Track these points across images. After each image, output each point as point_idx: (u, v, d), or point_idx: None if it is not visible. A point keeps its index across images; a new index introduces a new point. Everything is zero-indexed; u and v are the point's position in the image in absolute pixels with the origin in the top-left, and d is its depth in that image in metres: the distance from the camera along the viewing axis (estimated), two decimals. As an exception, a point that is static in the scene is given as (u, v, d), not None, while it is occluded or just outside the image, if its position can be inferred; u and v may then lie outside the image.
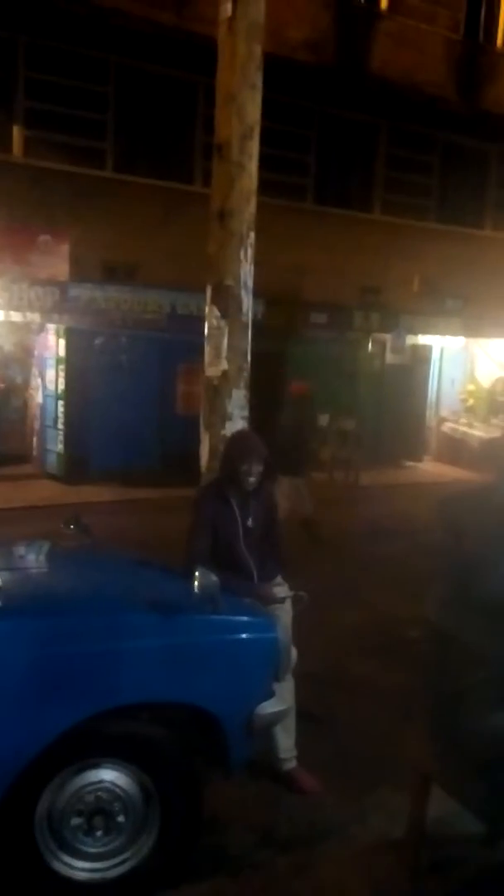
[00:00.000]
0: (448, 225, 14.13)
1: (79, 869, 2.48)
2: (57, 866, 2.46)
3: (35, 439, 10.67)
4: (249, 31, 4.09)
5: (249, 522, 3.17)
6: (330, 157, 13.21)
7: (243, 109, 4.13)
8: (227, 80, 4.16)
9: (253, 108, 4.17)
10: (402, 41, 12.45)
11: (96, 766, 2.48)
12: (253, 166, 4.23)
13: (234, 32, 4.08)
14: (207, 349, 4.34)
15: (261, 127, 4.25)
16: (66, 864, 2.47)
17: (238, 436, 3.59)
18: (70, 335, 9.70)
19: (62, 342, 9.75)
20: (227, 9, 4.09)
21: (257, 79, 4.17)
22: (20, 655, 2.36)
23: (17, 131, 10.83)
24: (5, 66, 10.63)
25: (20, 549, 3.06)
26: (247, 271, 4.25)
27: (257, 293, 4.51)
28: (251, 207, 4.24)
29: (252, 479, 3.13)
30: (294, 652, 3.17)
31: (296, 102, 12.00)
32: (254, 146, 4.21)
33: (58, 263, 10.40)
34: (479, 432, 12.22)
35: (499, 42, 13.96)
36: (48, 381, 10.10)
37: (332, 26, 11.83)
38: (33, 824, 2.41)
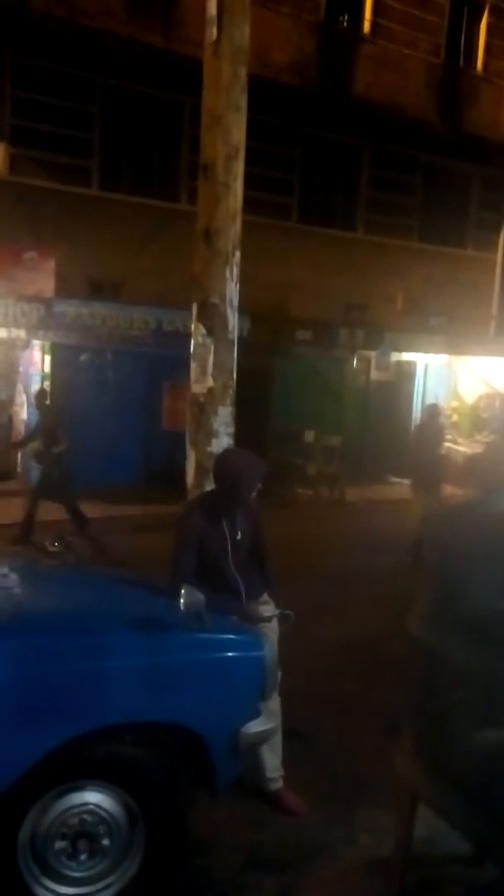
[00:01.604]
0: (431, 244, 14.33)
1: (62, 894, 2.44)
2: (40, 892, 2.41)
3: (19, 456, 10.61)
4: (234, 55, 4.15)
5: (238, 536, 3.18)
6: (314, 176, 13.38)
7: (228, 131, 4.19)
8: (212, 101, 4.22)
9: (238, 130, 4.23)
10: (384, 65, 12.70)
11: (80, 788, 2.44)
12: (238, 186, 4.28)
13: (219, 56, 4.14)
14: (193, 366, 4.35)
15: (246, 147, 4.31)
16: (49, 889, 2.43)
17: (240, 453, 3.49)
18: (55, 351, 9.69)
19: (47, 358, 9.73)
20: (213, 33, 4.16)
21: (242, 101, 4.23)
22: (2, 676, 2.32)
23: (2, 148, 10.88)
24: (-8, 85, 10.71)
25: (3, 567, 3.04)
26: (232, 289, 4.29)
27: (243, 310, 4.55)
28: (236, 226, 4.29)
29: (254, 495, 3.18)
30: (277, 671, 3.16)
31: (280, 123, 12.16)
32: (239, 166, 4.26)
33: (43, 280, 10.41)
34: (463, 448, 12.30)
35: (478, 66, 14.28)
36: (33, 397, 10.06)
37: (315, 49, 12.04)
38: (16, 849, 2.37)
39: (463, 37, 14.12)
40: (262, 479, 3.18)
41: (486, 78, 14.18)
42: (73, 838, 2.43)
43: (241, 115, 4.24)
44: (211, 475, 3.64)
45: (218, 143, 4.19)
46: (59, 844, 2.42)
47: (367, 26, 12.94)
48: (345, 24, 12.88)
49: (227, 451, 3.79)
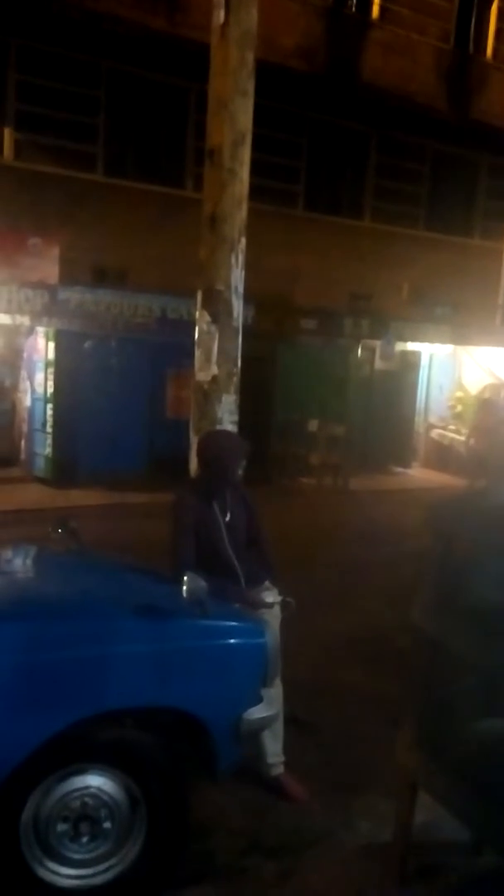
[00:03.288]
0: (437, 233, 14.23)
1: (64, 876, 2.47)
2: (42, 873, 2.44)
3: (23, 442, 10.62)
4: (242, 39, 4.11)
5: (228, 517, 3.18)
6: (321, 163, 13.27)
7: (235, 116, 4.15)
8: (219, 86, 4.18)
9: (245, 115, 4.19)
10: (392, 50, 12.55)
11: (82, 771, 2.46)
12: (244, 172, 4.25)
13: (226, 40, 4.10)
14: (198, 354, 4.34)
15: (252, 133, 4.27)
16: (51, 870, 2.45)
17: (221, 433, 3.77)
18: (59, 338, 9.67)
19: (51, 345, 9.72)
20: (220, 16, 4.11)
21: (249, 86, 4.19)
22: (6, 660, 2.34)
23: (7, 134, 10.81)
24: (-3, 69, 10.62)
25: (7, 554, 3.04)
26: (237, 276, 4.26)
27: (248, 298, 4.52)
28: (242, 213, 4.26)
29: (240, 473, 3.21)
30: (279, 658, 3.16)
31: (287, 109, 12.05)
32: (245, 152, 4.23)
33: (48, 266, 10.37)
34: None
35: (488, 53, 14.11)
36: (37, 384, 10.05)
37: (323, 34, 11.90)
38: (18, 831, 2.39)
39: (473, 22, 13.94)
40: (245, 457, 3.23)
41: (496, 65, 14.00)
42: (75, 821, 2.46)
43: (248, 101, 4.20)
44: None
45: (224, 129, 4.15)
46: (61, 827, 2.45)
47: (375, 11, 12.78)
48: (353, 8, 12.72)
49: (207, 433, 3.87)
